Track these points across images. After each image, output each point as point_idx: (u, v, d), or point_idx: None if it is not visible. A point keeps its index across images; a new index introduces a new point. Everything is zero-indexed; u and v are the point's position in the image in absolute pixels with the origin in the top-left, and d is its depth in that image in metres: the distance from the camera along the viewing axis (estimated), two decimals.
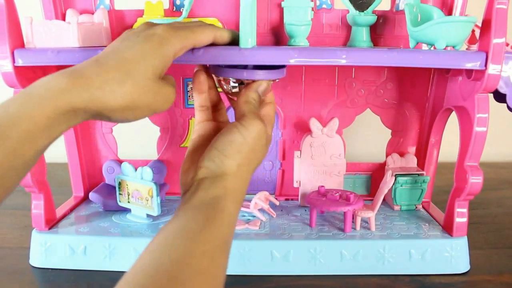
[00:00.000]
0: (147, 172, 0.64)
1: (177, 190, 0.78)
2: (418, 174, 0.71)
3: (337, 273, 0.60)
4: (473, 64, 0.53)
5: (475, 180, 0.58)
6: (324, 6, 0.68)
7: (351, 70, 0.72)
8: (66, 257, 0.61)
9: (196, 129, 0.49)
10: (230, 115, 0.49)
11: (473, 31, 0.61)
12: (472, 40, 0.62)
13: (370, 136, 0.97)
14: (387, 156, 0.76)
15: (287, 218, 0.69)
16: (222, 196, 0.39)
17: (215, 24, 0.66)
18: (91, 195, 0.71)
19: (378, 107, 0.74)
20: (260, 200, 0.67)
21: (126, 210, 0.69)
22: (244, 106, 0.44)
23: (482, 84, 0.54)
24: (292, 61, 0.51)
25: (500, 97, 0.59)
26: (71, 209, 0.71)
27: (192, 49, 0.48)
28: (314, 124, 0.70)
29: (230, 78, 0.49)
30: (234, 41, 0.49)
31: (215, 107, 0.50)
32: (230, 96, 0.52)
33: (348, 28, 0.68)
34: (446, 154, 0.79)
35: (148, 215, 0.67)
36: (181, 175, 0.45)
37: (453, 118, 0.64)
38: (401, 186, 0.71)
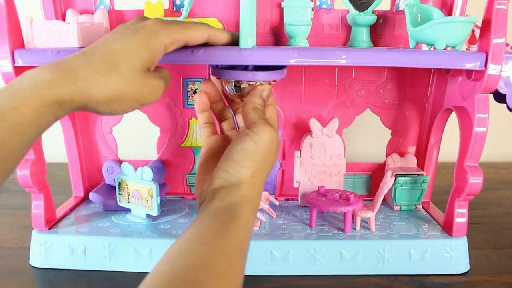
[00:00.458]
0: (147, 172, 0.64)
1: (177, 190, 0.78)
2: (418, 174, 0.71)
3: (337, 273, 0.60)
4: (473, 64, 0.53)
5: (475, 180, 0.58)
6: (324, 6, 0.68)
7: (351, 70, 0.72)
8: (66, 257, 0.61)
9: (204, 144, 0.50)
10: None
11: (473, 31, 0.61)
12: (472, 40, 0.62)
13: (370, 136, 0.97)
14: (387, 156, 0.76)
15: (287, 218, 0.69)
16: (238, 203, 0.40)
17: (215, 25, 0.67)
18: (91, 195, 0.71)
19: (378, 107, 0.74)
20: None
21: (126, 210, 0.69)
22: (252, 113, 0.45)
23: (482, 84, 0.54)
24: (292, 61, 0.51)
25: (500, 97, 0.59)
26: (71, 209, 0.71)
27: (192, 50, 0.48)
28: (314, 124, 0.70)
29: (232, 81, 0.49)
30: (233, 43, 0.49)
31: (222, 118, 0.51)
32: (231, 98, 0.52)
33: (348, 28, 0.68)
34: (446, 154, 0.79)
35: (148, 215, 0.67)
36: (196, 187, 0.46)
37: (453, 118, 0.64)
38: (401, 186, 0.71)
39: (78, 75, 0.36)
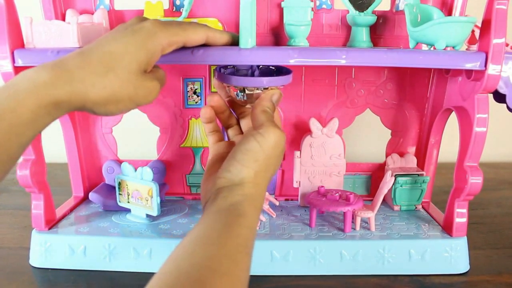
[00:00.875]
0: (147, 172, 0.64)
1: (177, 190, 0.78)
2: (418, 174, 0.71)
3: (337, 273, 0.60)
4: (473, 64, 0.53)
5: (475, 181, 0.58)
6: (324, 6, 0.68)
7: (351, 70, 0.72)
8: (66, 257, 0.61)
9: (210, 151, 0.51)
10: None
11: (473, 31, 0.61)
12: (472, 41, 0.62)
13: (370, 136, 0.97)
14: (387, 156, 0.76)
15: (286, 218, 0.69)
16: (241, 202, 0.40)
17: (215, 25, 0.67)
18: (91, 195, 0.71)
19: (378, 107, 0.74)
20: None
21: (126, 210, 0.69)
22: (261, 115, 0.45)
23: (482, 84, 0.54)
24: (292, 61, 0.51)
25: (499, 97, 0.59)
26: (71, 209, 0.71)
27: (192, 50, 0.48)
28: (314, 124, 0.70)
29: (241, 87, 0.49)
30: (233, 43, 0.49)
31: (229, 125, 0.52)
32: (236, 102, 0.52)
33: (348, 28, 0.68)
34: (446, 154, 0.79)
35: (147, 215, 0.67)
36: (202, 188, 0.46)
37: (453, 118, 0.64)
38: (401, 186, 0.71)
39: (75, 76, 0.37)
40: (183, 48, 0.45)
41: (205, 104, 0.53)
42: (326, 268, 0.60)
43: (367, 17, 0.64)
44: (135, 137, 0.92)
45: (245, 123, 0.52)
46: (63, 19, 0.66)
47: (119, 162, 0.75)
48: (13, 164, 0.35)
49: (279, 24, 0.68)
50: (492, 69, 0.52)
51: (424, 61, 0.52)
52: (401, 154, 0.75)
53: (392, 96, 0.74)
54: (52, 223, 0.65)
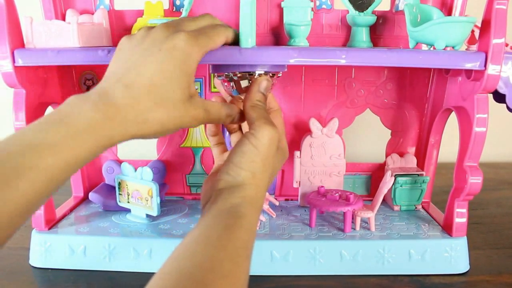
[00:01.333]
0: (147, 172, 0.64)
1: (177, 190, 0.78)
2: (418, 174, 0.71)
3: (337, 273, 0.60)
4: (472, 64, 0.53)
5: (475, 181, 0.58)
6: (324, 6, 0.68)
7: (351, 70, 0.73)
8: (66, 257, 0.61)
9: (216, 161, 0.51)
10: None
11: (472, 31, 0.61)
12: (471, 41, 0.62)
13: (370, 136, 0.97)
14: (386, 156, 0.76)
15: (286, 218, 0.69)
16: (240, 203, 0.40)
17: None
18: (91, 195, 0.71)
19: (377, 107, 0.74)
20: None
21: (126, 210, 0.69)
22: (251, 112, 0.44)
23: (482, 84, 0.54)
24: (292, 61, 0.51)
25: (499, 97, 0.59)
26: (71, 209, 0.71)
27: None
28: (314, 124, 0.70)
29: (231, 76, 0.49)
30: (234, 40, 0.49)
31: (231, 131, 0.52)
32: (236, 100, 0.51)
33: (348, 28, 0.68)
34: (446, 154, 0.79)
35: (147, 215, 0.67)
36: (202, 189, 0.46)
37: (453, 118, 0.64)
38: (401, 186, 0.71)
39: (128, 116, 0.38)
40: None
41: None
42: (326, 268, 0.60)
43: (367, 17, 0.64)
44: None
45: (235, 139, 0.52)
46: (63, 19, 0.66)
47: (119, 162, 0.75)
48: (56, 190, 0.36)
49: (279, 24, 0.68)
50: (491, 69, 0.52)
51: (424, 61, 0.52)
52: (401, 154, 0.75)
53: (392, 96, 0.74)
54: (52, 223, 0.65)
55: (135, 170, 0.65)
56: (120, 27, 0.68)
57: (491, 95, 0.58)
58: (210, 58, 0.48)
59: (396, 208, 0.72)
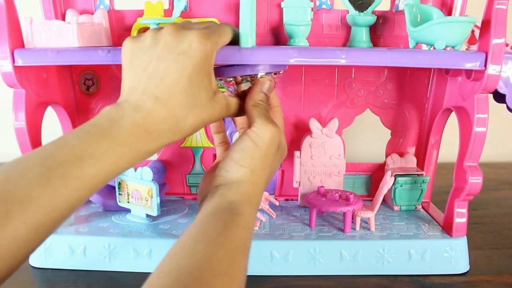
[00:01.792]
0: (147, 172, 0.64)
1: (177, 190, 0.78)
2: (418, 175, 0.71)
3: (337, 273, 0.60)
4: (472, 64, 0.53)
5: (475, 181, 0.58)
6: (323, 6, 0.68)
7: (351, 70, 0.73)
8: (66, 257, 0.61)
9: (218, 159, 0.51)
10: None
11: (472, 31, 0.61)
12: (471, 41, 0.62)
13: (370, 136, 0.97)
14: (386, 156, 0.76)
15: (286, 218, 0.69)
16: (238, 201, 0.40)
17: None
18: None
19: (377, 107, 0.74)
20: None
21: (126, 210, 0.69)
22: (253, 110, 0.45)
23: (482, 84, 0.54)
24: (292, 61, 0.51)
25: (499, 97, 0.59)
26: None
27: None
28: (313, 124, 0.70)
29: (232, 80, 0.49)
30: (234, 39, 0.49)
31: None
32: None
33: (348, 28, 0.68)
34: (446, 154, 0.79)
35: (147, 215, 0.67)
36: (200, 185, 0.46)
37: (453, 118, 0.64)
38: (401, 186, 0.71)
39: (164, 128, 0.40)
40: None
41: None
42: (326, 268, 0.60)
43: (367, 17, 0.64)
44: None
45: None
46: (63, 19, 0.66)
47: None
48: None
49: (279, 24, 0.68)
50: (491, 69, 0.52)
51: (424, 61, 0.52)
52: (401, 154, 0.75)
53: (392, 96, 0.74)
54: None
55: (135, 170, 0.65)
56: (120, 27, 0.68)
57: (491, 95, 0.58)
58: None
59: (396, 208, 0.72)
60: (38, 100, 0.60)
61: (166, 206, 0.73)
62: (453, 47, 0.54)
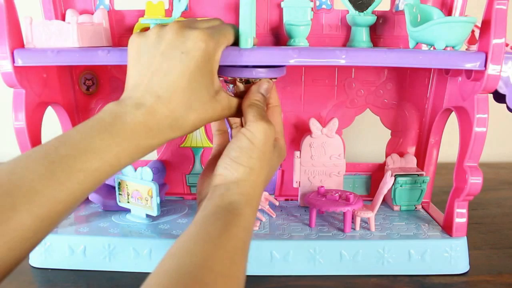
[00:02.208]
0: (147, 172, 0.64)
1: (177, 190, 0.78)
2: (418, 175, 0.71)
3: (337, 273, 0.60)
4: (472, 64, 0.53)
5: (475, 181, 0.58)
6: (323, 6, 0.68)
7: (351, 71, 0.72)
8: (66, 257, 0.61)
9: (213, 150, 0.51)
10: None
11: (472, 31, 0.61)
12: (471, 41, 0.62)
13: (370, 136, 0.97)
14: (386, 156, 0.76)
15: (286, 218, 0.69)
16: (238, 201, 0.40)
17: None
18: (91, 195, 0.71)
19: (377, 107, 0.74)
20: None
21: (126, 210, 0.69)
22: (247, 110, 0.45)
23: (482, 84, 0.54)
24: (292, 61, 0.51)
25: (499, 97, 0.59)
26: None
27: None
28: (313, 124, 0.70)
29: (233, 78, 0.49)
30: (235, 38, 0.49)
31: (231, 125, 0.52)
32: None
33: (348, 28, 0.68)
34: (446, 154, 0.79)
35: (147, 215, 0.67)
36: (198, 184, 0.47)
37: (453, 118, 0.64)
38: (401, 186, 0.71)
39: (164, 124, 0.41)
40: None
41: None
42: (326, 268, 0.60)
43: (367, 17, 0.64)
44: None
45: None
46: (63, 19, 0.66)
47: None
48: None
49: (279, 24, 0.68)
50: (492, 69, 0.52)
51: (424, 61, 0.52)
52: (401, 154, 0.75)
53: (392, 96, 0.74)
54: None
55: (135, 170, 0.65)
56: (120, 27, 0.68)
57: (491, 95, 0.58)
58: None
59: (396, 208, 0.72)
60: (38, 100, 0.60)
61: (166, 206, 0.73)
62: (453, 47, 0.54)
